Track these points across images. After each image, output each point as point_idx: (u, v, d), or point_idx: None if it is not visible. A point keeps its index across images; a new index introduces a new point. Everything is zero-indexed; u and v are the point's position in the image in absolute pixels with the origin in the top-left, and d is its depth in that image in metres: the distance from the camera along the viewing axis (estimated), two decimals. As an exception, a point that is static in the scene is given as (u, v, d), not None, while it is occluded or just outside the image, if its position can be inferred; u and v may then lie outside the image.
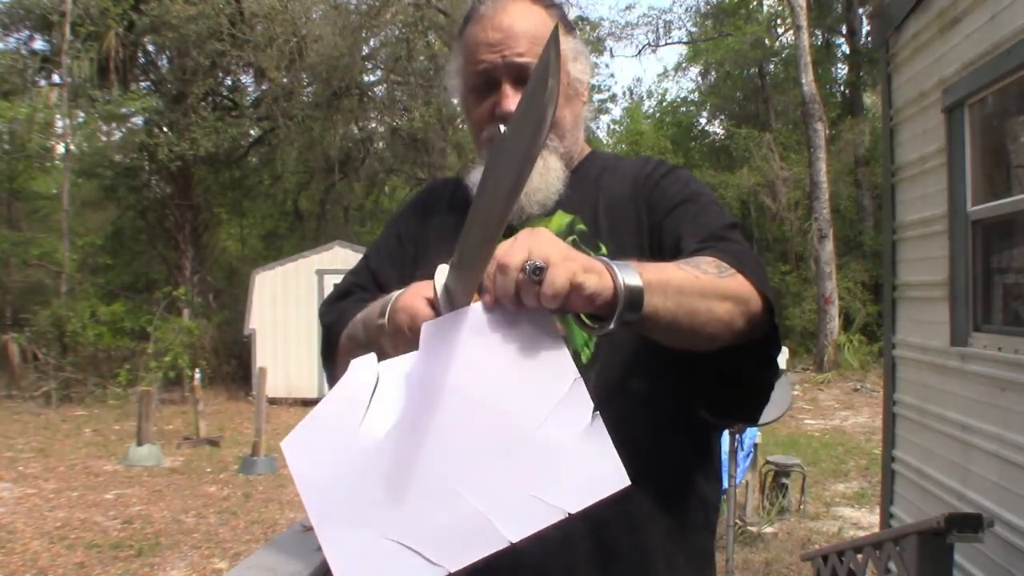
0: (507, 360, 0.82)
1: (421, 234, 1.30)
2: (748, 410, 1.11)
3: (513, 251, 0.80)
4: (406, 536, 0.81)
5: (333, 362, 1.24)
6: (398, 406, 0.83)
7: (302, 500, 0.84)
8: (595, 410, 0.82)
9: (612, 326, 0.84)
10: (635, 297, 0.84)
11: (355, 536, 0.82)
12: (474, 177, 1.22)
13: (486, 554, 0.81)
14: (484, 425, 0.82)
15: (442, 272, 0.94)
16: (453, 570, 0.81)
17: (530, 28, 1.16)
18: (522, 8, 1.17)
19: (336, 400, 0.86)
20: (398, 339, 0.97)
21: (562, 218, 1.19)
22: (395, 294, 1.03)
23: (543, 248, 0.80)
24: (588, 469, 0.81)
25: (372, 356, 0.87)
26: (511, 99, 1.15)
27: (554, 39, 0.71)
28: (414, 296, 0.95)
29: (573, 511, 0.80)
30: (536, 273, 0.78)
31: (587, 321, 0.88)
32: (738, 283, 0.98)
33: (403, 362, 0.86)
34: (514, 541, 0.81)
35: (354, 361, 0.87)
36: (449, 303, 0.89)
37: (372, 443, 0.83)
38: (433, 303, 0.92)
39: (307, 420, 0.86)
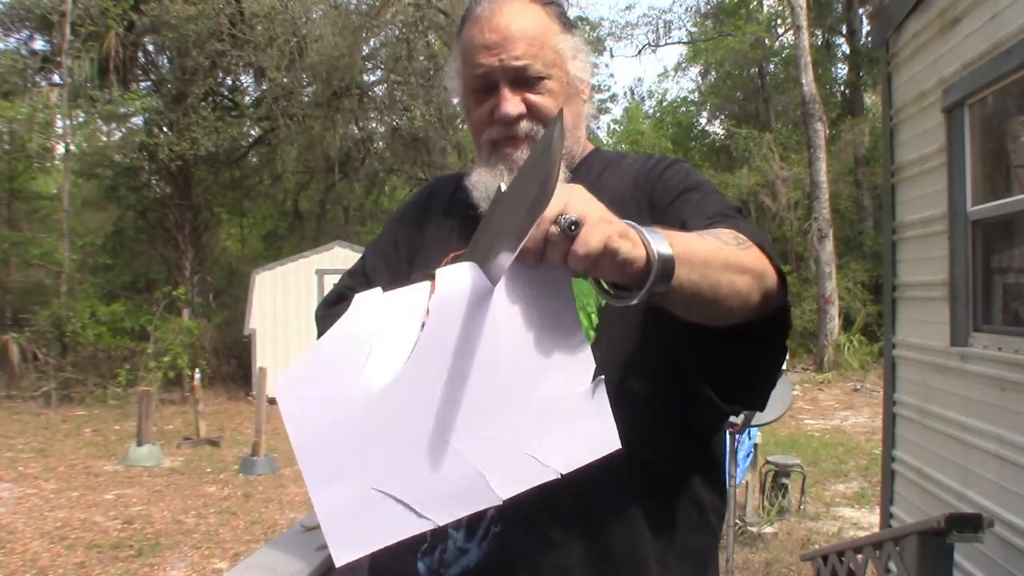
0: (516, 317, 0.80)
1: (418, 237, 1.29)
2: (756, 394, 1.09)
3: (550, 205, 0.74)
4: (396, 488, 0.79)
5: None
6: (401, 353, 0.81)
7: (291, 442, 0.80)
8: (598, 376, 0.81)
9: (639, 298, 0.80)
10: (667, 269, 0.80)
11: (344, 485, 0.79)
12: (474, 178, 1.21)
13: (476, 510, 0.80)
14: (485, 380, 0.80)
15: None
16: (441, 524, 0.80)
17: (527, 28, 1.15)
18: (518, 8, 1.16)
19: (337, 341, 0.83)
20: None
21: None
22: None
23: (579, 204, 0.75)
24: (582, 431, 0.80)
25: (377, 291, 0.84)
26: (509, 102, 1.15)
27: (558, 120, 0.70)
28: None
29: (564, 472, 0.80)
30: (571, 228, 0.73)
31: (609, 289, 0.83)
32: (755, 256, 0.95)
33: (409, 297, 0.83)
34: (504, 499, 0.80)
35: (358, 296, 0.84)
36: None
37: (371, 390, 0.80)
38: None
39: (305, 359, 0.82)
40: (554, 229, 0.73)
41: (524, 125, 1.16)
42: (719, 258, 0.89)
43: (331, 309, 1.29)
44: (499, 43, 1.14)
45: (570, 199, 0.75)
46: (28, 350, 13.00)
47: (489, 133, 1.18)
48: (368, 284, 1.29)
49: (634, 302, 0.81)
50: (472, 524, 1.08)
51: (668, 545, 1.10)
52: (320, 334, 1.27)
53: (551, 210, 0.73)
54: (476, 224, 1.21)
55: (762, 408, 1.12)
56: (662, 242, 0.80)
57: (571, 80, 1.19)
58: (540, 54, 1.15)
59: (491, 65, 1.15)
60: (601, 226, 0.74)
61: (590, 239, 0.73)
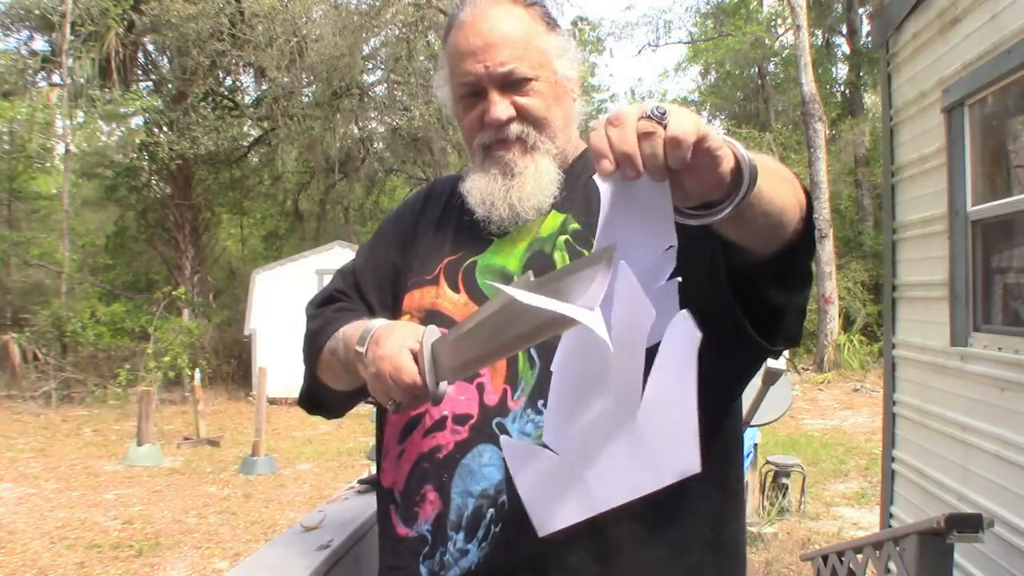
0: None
1: (411, 241, 1.29)
2: (797, 327, 1.06)
3: (624, 108, 0.72)
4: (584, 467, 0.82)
5: (316, 367, 1.25)
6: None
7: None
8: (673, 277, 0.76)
9: (733, 207, 0.74)
10: (753, 171, 0.74)
11: (571, 427, 0.81)
12: (468, 184, 1.21)
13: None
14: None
15: (432, 333, 0.94)
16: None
17: (510, 32, 1.15)
18: (501, 11, 1.16)
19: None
20: (377, 383, 0.97)
21: (555, 218, 1.18)
22: (376, 324, 1.04)
23: (652, 103, 0.71)
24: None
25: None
26: (498, 106, 1.15)
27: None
28: (400, 347, 0.95)
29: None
30: (660, 114, 0.69)
31: (691, 211, 0.77)
32: (789, 171, 0.93)
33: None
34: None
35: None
36: (433, 364, 0.92)
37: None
38: (417, 357, 0.93)
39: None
40: (644, 122, 0.69)
41: (514, 128, 1.16)
42: (773, 165, 0.86)
43: (320, 308, 1.29)
44: (484, 48, 1.14)
45: (642, 104, 0.71)
46: (28, 350, 13.00)
47: (481, 137, 1.19)
48: (358, 288, 1.29)
49: (726, 213, 0.75)
50: (472, 525, 1.07)
51: (680, 535, 1.09)
52: (308, 332, 1.27)
53: (631, 111, 0.70)
54: (470, 231, 1.21)
55: (797, 343, 1.11)
56: (737, 144, 0.75)
57: (559, 79, 1.20)
58: (525, 56, 1.15)
59: (477, 72, 1.15)
60: (685, 111, 0.70)
61: (683, 121, 0.68)
